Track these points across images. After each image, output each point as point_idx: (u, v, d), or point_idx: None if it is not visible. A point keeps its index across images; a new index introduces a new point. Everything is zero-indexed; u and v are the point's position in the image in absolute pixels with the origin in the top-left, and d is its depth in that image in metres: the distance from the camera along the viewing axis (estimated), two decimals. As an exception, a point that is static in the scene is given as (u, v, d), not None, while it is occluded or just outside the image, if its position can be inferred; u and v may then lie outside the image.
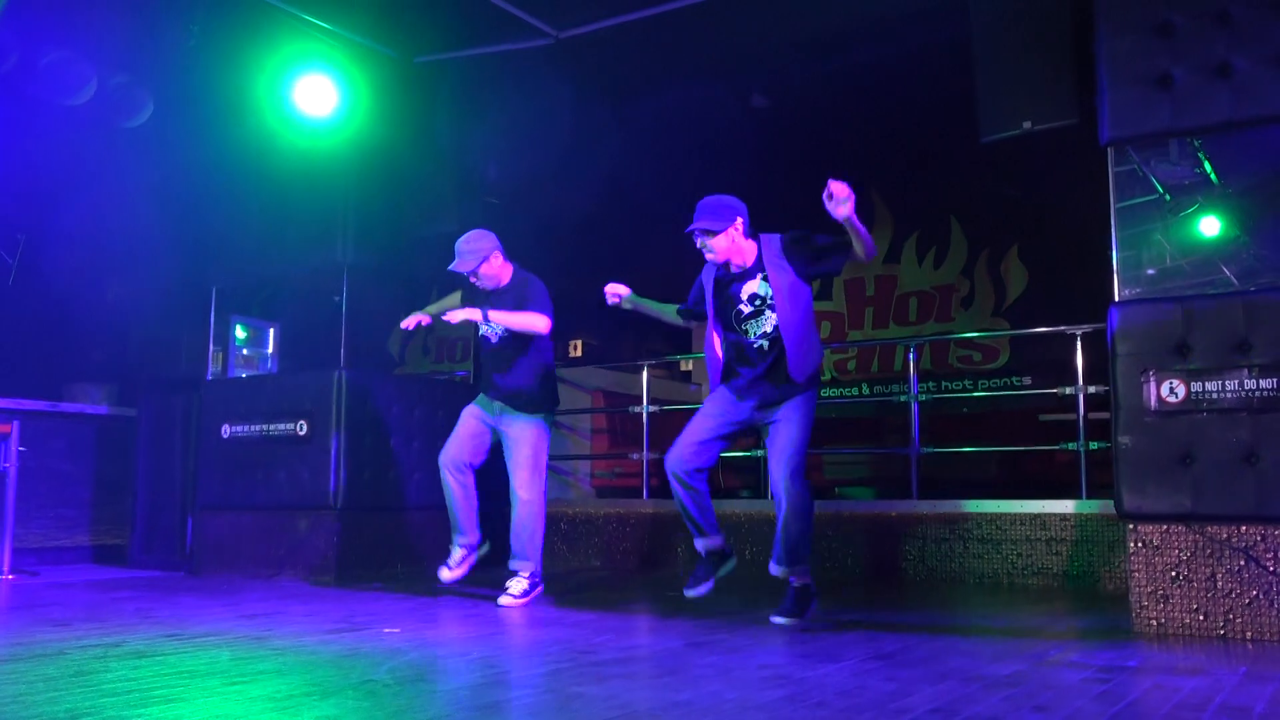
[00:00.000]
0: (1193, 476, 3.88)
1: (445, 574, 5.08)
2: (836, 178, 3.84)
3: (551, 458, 7.65)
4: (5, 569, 6.08)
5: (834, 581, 5.96)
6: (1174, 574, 3.93)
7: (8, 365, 7.01)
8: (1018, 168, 7.22)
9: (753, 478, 7.22)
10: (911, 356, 6.54)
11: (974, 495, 5.99)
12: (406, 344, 10.16)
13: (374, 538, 6.20)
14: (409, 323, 5.13)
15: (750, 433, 4.40)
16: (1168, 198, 5.06)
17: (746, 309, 4.22)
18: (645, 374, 7.17)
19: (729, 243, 4.18)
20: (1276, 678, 3.02)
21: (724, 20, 6.21)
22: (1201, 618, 3.87)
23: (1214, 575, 3.86)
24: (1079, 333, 5.74)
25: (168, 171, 6.82)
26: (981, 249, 8.71)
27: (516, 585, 4.87)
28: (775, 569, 4.20)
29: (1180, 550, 3.92)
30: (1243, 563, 3.81)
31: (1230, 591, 3.83)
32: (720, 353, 4.31)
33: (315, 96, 6.12)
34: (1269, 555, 3.77)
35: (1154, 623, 3.95)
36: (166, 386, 7.16)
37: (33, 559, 6.64)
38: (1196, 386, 3.89)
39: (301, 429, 6.17)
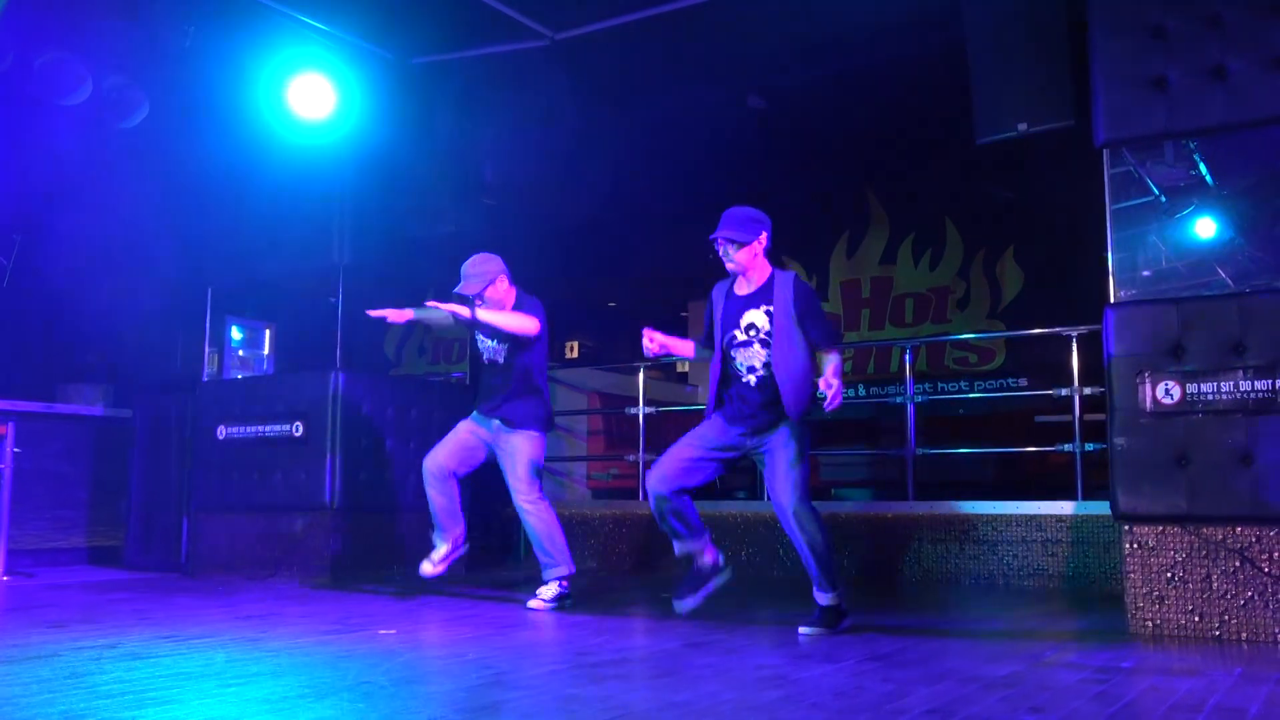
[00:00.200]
0: (1188, 478, 3.89)
1: (426, 568, 5.05)
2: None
3: (548, 459, 7.67)
4: (1, 570, 6.07)
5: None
6: (1169, 575, 3.93)
7: (3, 366, 7.00)
8: (1013, 170, 7.24)
9: (749, 478, 7.22)
10: (908, 358, 6.54)
11: (970, 496, 5.99)
12: (403, 345, 10.15)
13: (370, 539, 6.19)
14: (383, 313, 5.09)
15: (743, 460, 4.32)
16: (1163, 199, 5.07)
17: (741, 336, 4.14)
18: (641, 376, 7.17)
19: (751, 257, 4.13)
20: (1271, 678, 3.03)
21: (720, 23, 6.22)
22: (1197, 619, 3.88)
23: (1209, 576, 3.87)
24: (1075, 334, 5.74)
25: (164, 172, 6.81)
26: (977, 251, 8.72)
27: (546, 590, 4.84)
28: (823, 598, 4.08)
29: (1176, 551, 3.93)
30: (1238, 564, 3.82)
31: (1225, 593, 3.84)
32: (717, 371, 4.21)
33: (311, 97, 6.11)
34: (1264, 556, 3.78)
35: (1150, 624, 3.95)
36: (162, 387, 7.14)
37: (28, 560, 6.63)
38: (1192, 388, 3.90)
39: (297, 430, 6.17)
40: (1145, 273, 4.86)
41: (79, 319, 7.44)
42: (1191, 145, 4.73)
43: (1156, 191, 5.01)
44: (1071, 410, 5.74)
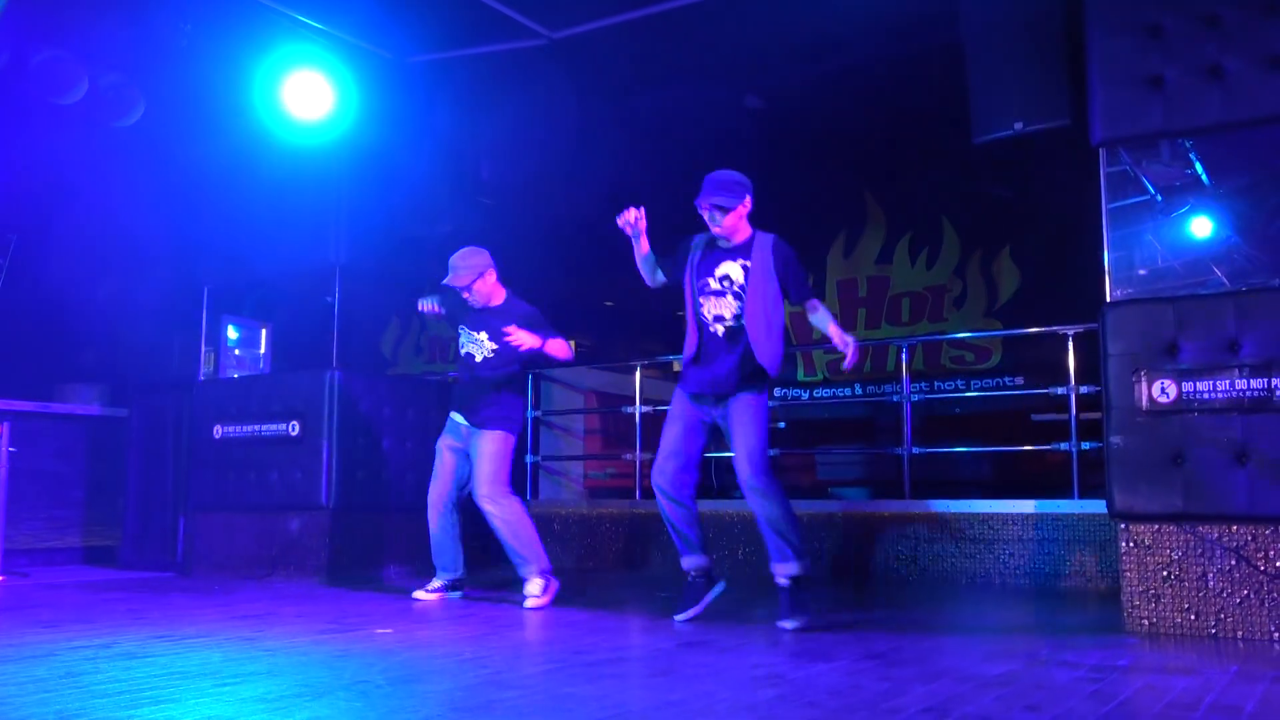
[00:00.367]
0: (1184, 476, 3.89)
1: (419, 593, 5.13)
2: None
3: (544, 458, 7.69)
4: (-4, 570, 6.06)
5: (827, 581, 5.96)
6: (1165, 573, 3.94)
7: (-1, 365, 6.99)
8: (1010, 169, 7.24)
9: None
10: (904, 357, 6.54)
11: (966, 495, 5.99)
12: (399, 345, 10.15)
13: (366, 538, 6.19)
14: (427, 306, 5.21)
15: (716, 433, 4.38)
16: (1159, 198, 5.07)
17: (714, 285, 4.22)
18: (638, 374, 7.17)
19: (737, 219, 4.22)
20: (1267, 677, 3.03)
21: (717, 22, 6.22)
22: (1193, 617, 3.88)
23: (1205, 575, 3.87)
24: (1071, 333, 5.75)
25: (160, 171, 6.80)
26: (974, 250, 8.73)
27: (533, 587, 4.85)
28: (786, 570, 4.10)
29: (1172, 550, 3.93)
30: (1234, 562, 3.82)
31: (1221, 591, 3.84)
32: (693, 325, 4.29)
33: (308, 96, 6.11)
34: (1260, 555, 3.78)
35: (1146, 622, 3.96)
36: (158, 387, 7.14)
37: (23, 560, 6.62)
38: (1188, 386, 3.91)
39: (294, 429, 6.16)
40: (1141, 271, 4.87)
41: (75, 318, 7.43)
42: (1188, 144, 4.74)
43: (1153, 190, 5.01)
44: (1068, 409, 5.74)
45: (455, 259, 5.01)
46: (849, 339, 4.11)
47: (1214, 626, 3.84)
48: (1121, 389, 4.02)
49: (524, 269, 5.99)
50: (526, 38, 6.37)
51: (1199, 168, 5.00)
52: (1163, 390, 3.94)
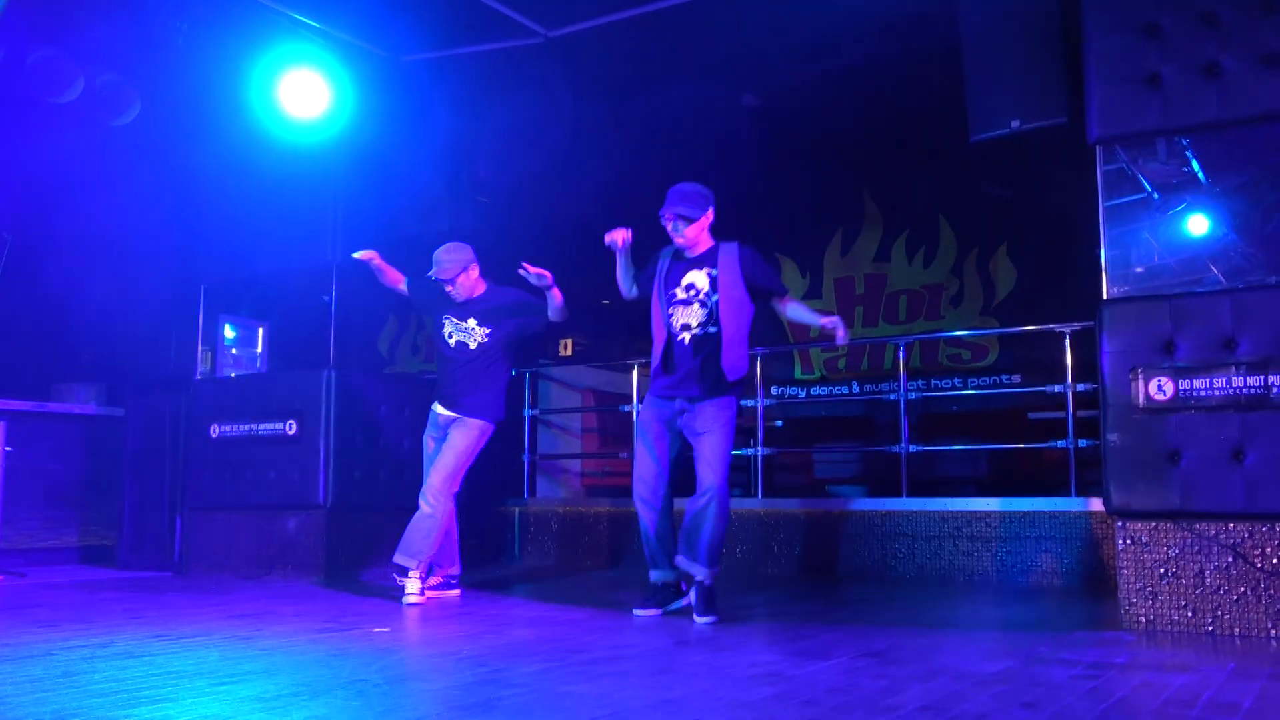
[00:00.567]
0: (1181, 473, 3.90)
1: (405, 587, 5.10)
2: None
3: (541, 456, 7.69)
4: (-8, 570, 6.05)
5: (824, 579, 5.97)
6: (1162, 571, 3.94)
7: (-4, 365, 6.97)
8: (1007, 167, 7.24)
9: (742, 475, 7.22)
10: (901, 355, 6.54)
11: (963, 493, 5.99)
12: (396, 343, 10.14)
13: (364, 537, 6.18)
14: (373, 258, 5.20)
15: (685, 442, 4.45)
16: (1156, 196, 5.07)
17: (681, 295, 4.33)
18: (635, 373, 7.17)
19: (699, 231, 4.34)
20: (1264, 673, 3.04)
21: (714, 20, 6.21)
22: (1190, 614, 3.89)
23: (1202, 572, 3.87)
24: (1068, 331, 5.75)
25: (156, 170, 6.79)
26: (971, 248, 8.73)
27: (412, 585, 4.83)
28: (697, 569, 4.19)
29: (1169, 547, 3.94)
30: (1231, 559, 3.83)
31: (1218, 588, 3.85)
32: (660, 335, 4.37)
33: (305, 95, 6.10)
34: (1257, 552, 3.79)
35: (1143, 619, 3.96)
36: (155, 386, 7.12)
37: (20, 560, 6.60)
38: (1184, 384, 3.91)
39: (291, 428, 6.15)
40: (1138, 269, 4.87)
41: (71, 317, 7.42)
42: (1184, 142, 4.74)
43: (1150, 188, 5.01)
44: (1065, 407, 5.75)
45: (440, 253, 5.08)
46: (834, 317, 4.18)
47: (1211, 623, 3.85)
48: (1118, 387, 4.03)
49: (520, 266, 5.98)
50: (523, 36, 6.37)
51: (1196, 166, 5.00)
52: (1159, 388, 3.95)
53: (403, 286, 5.29)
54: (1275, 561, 3.77)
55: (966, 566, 5.74)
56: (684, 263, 4.38)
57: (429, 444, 5.19)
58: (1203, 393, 3.88)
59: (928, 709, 2.52)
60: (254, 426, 6.32)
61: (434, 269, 5.05)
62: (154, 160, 6.71)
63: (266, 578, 6.12)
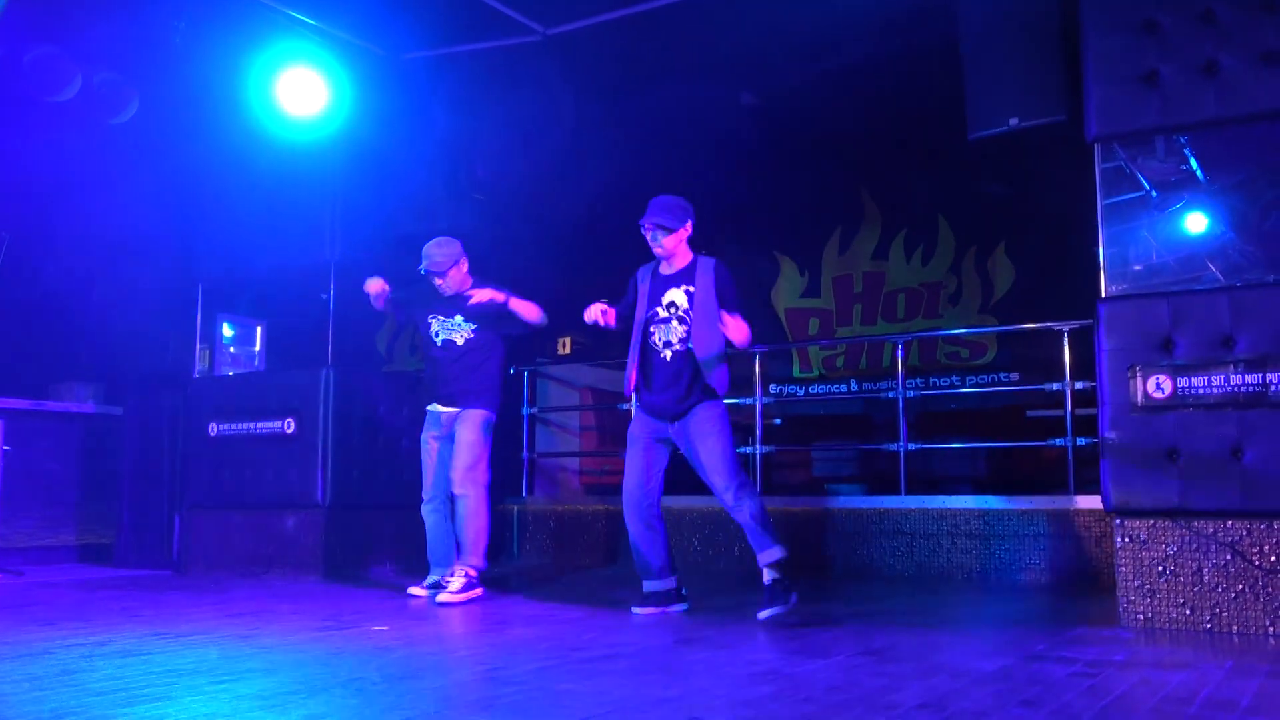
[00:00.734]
0: (1179, 471, 3.90)
1: (415, 589, 5.13)
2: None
3: (539, 455, 7.68)
4: (-10, 568, 6.05)
5: (823, 578, 5.97)
6: (1161, 569, 3.95)
7: (-7, 363, 6.96)
8: (1006, 165, 7.23)
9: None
10: (899, 353, 6.54)
11: (962, 491, 5.99)
12: (395, 342, 10.13)
13: (362, 536, 6.18)
14: (376, 285, 5.16)
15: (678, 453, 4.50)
16: (1154, 194, 5.07)
17: (662, 313, 4.40)
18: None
19: (677, 242, 4.38)
20: (1262, 671, 3.04)
21: (712, 19, 6.21)
22: (1188, 612, 3.89)
23: (1200, 569, 3.88)
24: (1066, 329, 5.75)
25: (155, 168, 6.78)
26: (969, 246, 8.72)
27: (456, 581, 4.85)
28: (767, 555, 4.22)
29: (1167, 545, 3.94)
30: (1229, 557, 3.83)
31: (1217, 586, 3.85)
32: (636, 351, 4.44)
33: (303, 93, 6.09)
34: (1255, 550, 3.79)
35: (1141, 617, 3.96)
36: (153, 384, 7.11)
37: (18, 558, 6.60)
38: (1182, 382, 3.91)
39: (289, 427, 6.15)
40: (1136, 267, 4.87)
41: (70, 316, 7.41)
42: (1183, 140, 4.74)
43: (1148, 186, 5.01)
44: (1063, 405, 5.75)
45: (430, 247, 5.12)
46: (733, 317, 4.16)
47: (1209, 621, 3.85)
48: (1116, 385, 4.03)
49: (518, 265, 5.98)
50: (521, 34, 6.36)
51: (1194, 164, 5.00)
52: (1158, 386, 3.95)
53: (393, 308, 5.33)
54: (1273, 559, 3.77)
55: (965, 564, 5.74)
56: (663, 280, 4.45)
57: (430, 445, 5.18)
58: (1201, 390, 3.88)
59: (926, 707, 2.52)
60: (252, 425, 6.32)
61: (424, 262, 5.08)
62: (152, 159, 6.71)
63: (265, 576, 6.12)
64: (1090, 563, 5.42)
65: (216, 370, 7.02)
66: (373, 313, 5.64)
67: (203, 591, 5.44)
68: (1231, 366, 3.83)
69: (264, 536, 6.22)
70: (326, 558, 5.98)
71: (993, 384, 7.97)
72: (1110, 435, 4.03)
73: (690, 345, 4.31)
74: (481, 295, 4.94)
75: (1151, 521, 3.97)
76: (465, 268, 5.16)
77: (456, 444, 5.02)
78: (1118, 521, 4.04)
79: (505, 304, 4.96)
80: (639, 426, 4.47)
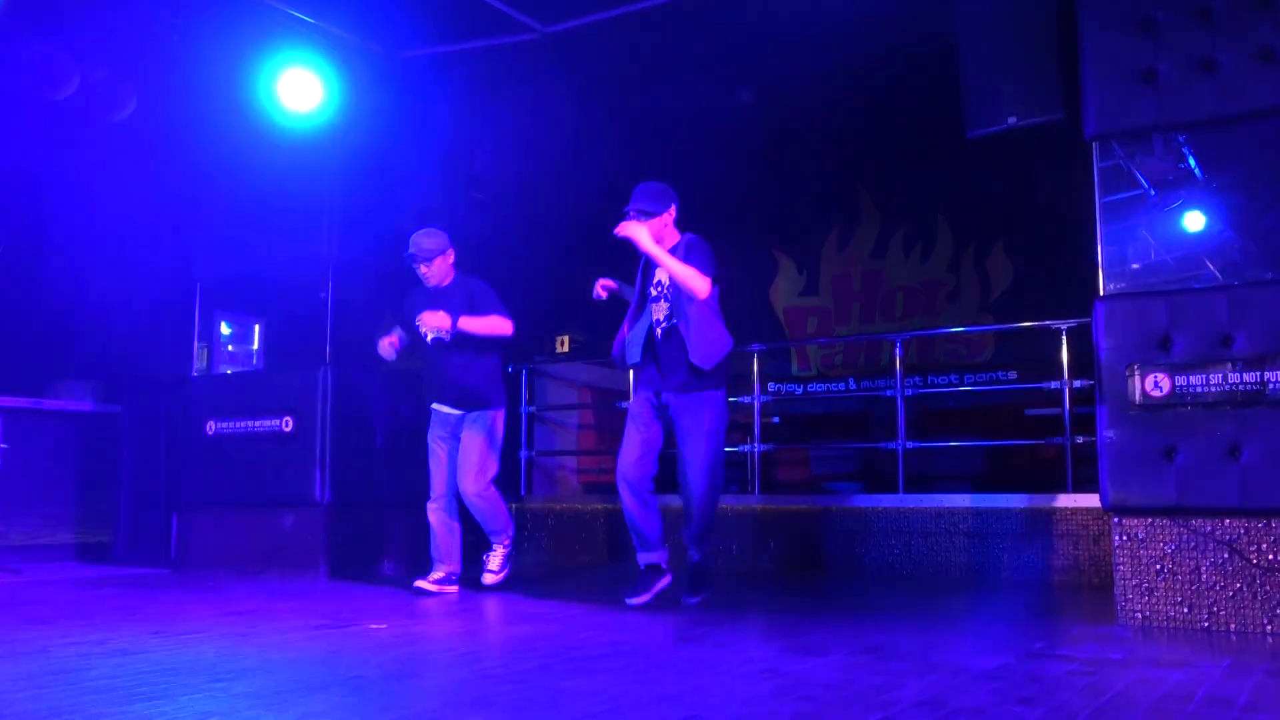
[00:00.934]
0: (1177, 470, 3.90)
1: (420, 582, 5.13)
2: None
3: (538, 453, 7.68)
4: (-12, 567, 6.04)
5: (821, 576, 5.97)
6: (1159, 567, 3.95)
7: (-9, 362, 6.95)
8: (1004, 163, 7.24)
9: (739, 471, 7.23)
10: (898, 351, 6.55)
11: (960, 489, 5.99)
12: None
13: (360, 534, 6.18)
14: (386, 344, 5.23)
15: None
16: (1152, 193, 5.07)
17: (654, 292, 4.54)
18: (633, 370, 7.15)
19: (662, 227, 4.46)
20: (1260, 669, 3.04)
21: (710, 17, 6.21)
22: (1186, 610, 3.89)
23: (1198, 568, 3.88)
24: (1064, 327, 5.75)
25: (153, 167, 6.77)
26: (968, 244, 8.73)
27: (495, 560, 5.14)
28: (693, 552, 4.55)
29: (1165, 543, 3.94)
30: (1227, 555, 3.83)
31: (1214, 584, 3.85)
32: (629, 322, 4.60)
33: (301, 91, 6.09)
34: (1252, 548, 3.80)
35: (1139, 615, 3.97)
36: (151, 383, 7.10)
37: (16, 557, 6.59)
38: (1181, 380, 3.91)
39: (287, 425, 6.15)
40: (1135, 266, 4.87)
41: (67, 314, 7.39)
42: (1181, 138, 4.74)
43: (1146, 185, 5.01)
44: (1061, 403, 5.75)
45: (418, 235, 5.13)
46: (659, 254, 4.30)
47: (1207, 619, 3.85)
48: (1114, 383, 4.03)
49: (517, 263, 5.98)
50: (519, 32, 6.36)
51: (1192, 162, 5.00)
52: (1156, 384, 3.95)
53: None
54: (1271, 557, 3.77)
55: (962, 562, 5.75)
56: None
57: (437, 445, 5.17)
58: (1199, 389, 3.88)
59: (924, 704, 2.52)
60: (250, 423, 6.32)
61: (410, 248, 5.10)
62: (151, 157, 6.70)
63: (263, 575, 6.11)
64: (1088, 561, 5.43)
65: (214, 369, 7.02)
66: (371, 311, 5.64)
67: (200, 590, 5.44)
68: (1230, 365, 3.83)
69: (262, 535, 6.22)
70: (325, 556, 5.98)
71: (991, 382, 7.97)
72: (1108, 434, 4.03)
73: (675, 321, 4.43)
74: (432, 321, 4.93)
75: (1149, 520, 3.97)
76: (451, 259, 5.17)
77: (467, 446, 5.03)
78: (1115, 520, 4.04)
79: (452, 331, 4.97)
80: (639, 403, 4.57)
